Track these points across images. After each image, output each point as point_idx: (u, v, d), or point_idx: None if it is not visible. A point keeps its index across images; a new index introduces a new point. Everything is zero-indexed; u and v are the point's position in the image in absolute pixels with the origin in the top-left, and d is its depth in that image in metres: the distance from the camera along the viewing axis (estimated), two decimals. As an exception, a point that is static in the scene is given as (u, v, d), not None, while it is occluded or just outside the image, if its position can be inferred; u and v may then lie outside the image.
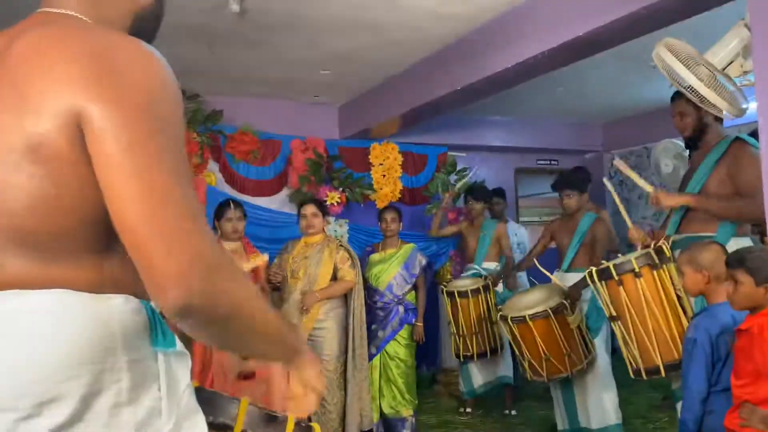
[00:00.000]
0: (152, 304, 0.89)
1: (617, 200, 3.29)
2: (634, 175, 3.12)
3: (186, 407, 0.91)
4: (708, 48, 2.75)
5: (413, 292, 4.55)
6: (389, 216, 4.58)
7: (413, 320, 4.47)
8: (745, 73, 2.62)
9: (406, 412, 4.36)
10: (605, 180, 3.48)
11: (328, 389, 3.88)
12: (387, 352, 4.38)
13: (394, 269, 4.46)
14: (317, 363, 1.11)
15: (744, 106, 2.73)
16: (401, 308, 4.42)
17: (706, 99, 2.64)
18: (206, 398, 1.47)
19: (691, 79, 2.61)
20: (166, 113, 0.83)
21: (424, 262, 4.58)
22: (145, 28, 1.01)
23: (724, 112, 2.68)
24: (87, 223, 0.83)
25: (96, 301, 0.83)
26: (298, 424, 1.49)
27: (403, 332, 4.43)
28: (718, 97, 2.60)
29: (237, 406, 1.45)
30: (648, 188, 3.01)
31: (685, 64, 2.64)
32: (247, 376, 3.34)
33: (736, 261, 2.14)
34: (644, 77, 5.30)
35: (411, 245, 4.64)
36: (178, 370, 0.91)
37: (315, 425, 1.53)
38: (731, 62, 2.66)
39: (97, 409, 0.80)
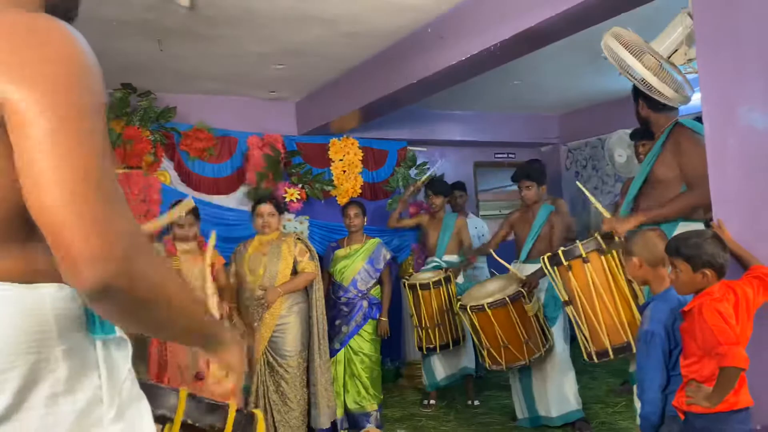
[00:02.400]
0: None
1: (591, 198, 3.35)
2: (593, 200, 3.20)
3: (129, 394, 0.90)
4: (654, 37, 2.80)
5: (378, 287, 4.55)
6: (352, 211, 4.57)
7: (377, 315, 4.47)
8: (690, 61, 2.68)
9: (371, 406, 4.36)
10: (578, 183, 3.58)
11: (291, 386, 3.84)
12: (351, 348, 4.38)
13: (359, 264, 4.46)
14: (240, 350, 1.11)
15: (689, 93, 2.80)
16: (365, 303, 4.43)
17: (653, 87, 2.69)
18: (145, 390, 1.44)
19: (638, 67, 2.66)
20: (87, 96, 0.80)
21: (389, 256, 4.59)
22: (61, 5, 0.97)
23: (671, 100, 2.74)
24: (15, 211, 0.81)
25: (28, 291, 0.81)
26: (239, 411, 1.47)
27: (368, 327, 4.44)
28: (665, 85, 2.66)
29: (177, 396, 1.43)
30: (606, 214, 3.07)
31: (631, 52, 2.69)
32: (198, 376, 3.30)
33: (673, 249, 2.18)
34: (598, 68, 5.39)
35: (376, 240, 4.64)
36: (118, 358, 0.90)
37: (258, 412, 1.51)
38: (676, 50, 2.72)
39: (33, 400, 0.79)
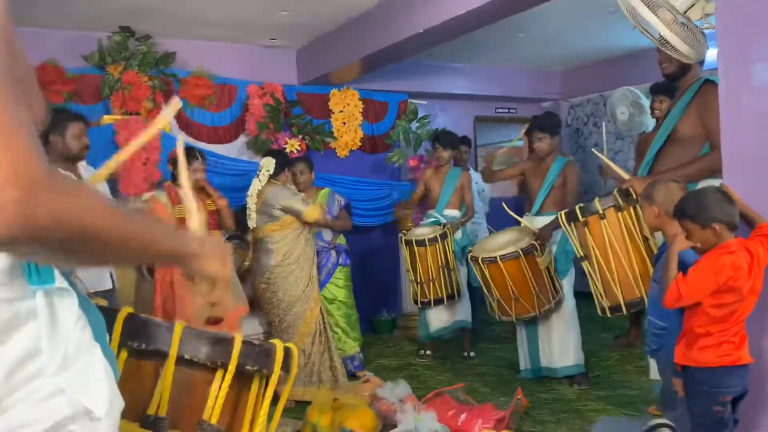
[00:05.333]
0: None
1: (606, 161, 3.33)
2: (610, 163, 3.19)
3: (77, 343, 0.84)
4: (671, -9, 2.74)
5: (342, 235, 4.57)
6: (298, 168, 4.45)
7: (347, 262, 4.52)
8: (707, 16, 2.63)
9: (352, 349, 4.49)
10: (594, 150, 3.55)
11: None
12: (325, 297, 4.43)
13: None
14: (217, 256, 1.05)
15: (704, 50, 2.76)
16: (333, 252, 4.48)
17: (667, 42, 2.65)
18: (138, 325, 1.40)
19: (653, 20, 2.61)
20: None
21: (343, 202, 4.61)
22: None
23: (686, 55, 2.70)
24: None
25: None
26: (249, 343, 1.42)
27: (339, 274, 4.51)
28: (680, 41, 2.61)
29: (172, 330, 1.37)
30: (624, 175, 3.04)
31: (647, 5, 2.63)
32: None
33: (678, 212, 2.19)
34: (603, 24, 5.31)
35: (326, 189, 4.66)
36: (61, 307, 0.84)
37: (277, 342, 1.47)
38: (693, 5, 2.66)
39: None
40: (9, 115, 0.67)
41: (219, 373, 1.39)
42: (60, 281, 0.84)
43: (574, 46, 6.16)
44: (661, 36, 2.63)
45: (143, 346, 1.37)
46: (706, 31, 2.73)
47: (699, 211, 2.12)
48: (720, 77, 2.40)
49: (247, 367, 1.40)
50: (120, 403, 0.89)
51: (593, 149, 3.59)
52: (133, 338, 1.38)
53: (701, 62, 2.96)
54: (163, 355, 1.36)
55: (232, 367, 1.38)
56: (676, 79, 3.03)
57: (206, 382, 1.39)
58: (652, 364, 3.08)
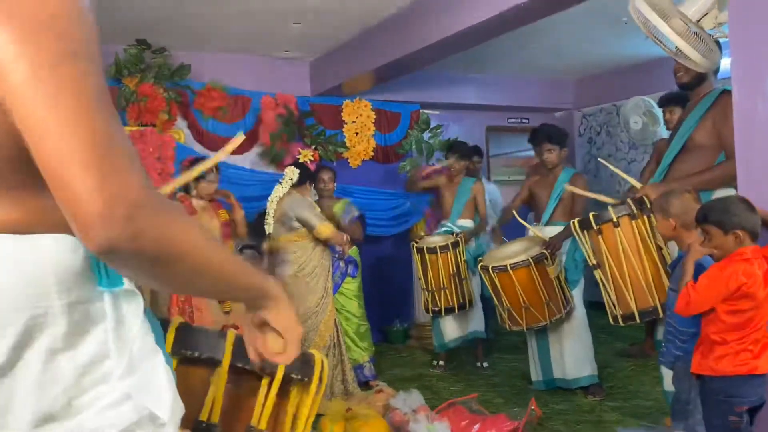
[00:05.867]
0: None
1: (615, 170, 3.33)
2: (620, 172, 3.22)
3: (141, 348, 0.85)
4: (683, 0, 2.75)
5: (355, 247, 4.58)
6: (326, 176, 4.52)
7: (355, 273, 4.50)
8: (719, 25, 2.63)
9: (362, 358, 4.48)
10: (601, 160, 3.55)
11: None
12: (335, 308, 4.43)
13: None
14: (290, 307, 1.02)
15: (717, 59, 2.76)
16: (342, 263, 4.47)
17: (680, 51, 2.65)
18: (192, 335, 1.45)
19: (665, 30, 2.61)
20: (77, 32, 0.71)
21: (356, 214, 4.59)
22: None
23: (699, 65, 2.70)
24: (6, 159, 0.75)
25: (23, 242, 0.75)
26: None
27: (349, 286, 4.48)
28: (693, 50, 2.61)
29: (225, 339, 1.42)
30: (636, 184, 3.04)
31: (660, 15, 2.64)
32: (233, 328, 3.36)
33: (701, 216, 2.20)
34: (615, 33, 5.31)
35: (345, 200, 4.65)
36: (128, 311, 0.85)
37: (315, 352, 1.51)
38: (706, 14, 2.66)
39: (29, 358, 0.75)
40: (121, 138, 0.72)
41: (265, 381, 1.45)
42: (128, 284, 0.85)
43: (587, 55, 6.15)
44: (674, 46, 2.63)
45: (197, 354, 1.42)
46: (719, 40, 2.73)
47: (724, 217, 2.13)
48: (733, 86, 2.40)
49: (292, 376, 1.46)
50: (181, 409, 0.89)
51: (600, 159, 3.59)
52: (186, 347, 1.43)
53: (716, 72, 2.96)
54: (214, 363, 1.41)
55: (279, 375, 1.44)
56: (691, 89, 3.02)
57: (253, 389, 1.46)
58: (666, 374, 3.06)
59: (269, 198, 4.02)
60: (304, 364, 1.49)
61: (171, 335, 1.41)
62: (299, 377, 1.47)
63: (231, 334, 1.43)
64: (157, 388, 0.86)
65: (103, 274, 0.81)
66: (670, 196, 2.47)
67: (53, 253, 0.77)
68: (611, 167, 3.31)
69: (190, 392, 1.41)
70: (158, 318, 1.42)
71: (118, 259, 0.72)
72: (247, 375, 1.44)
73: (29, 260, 0.75)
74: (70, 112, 0.67)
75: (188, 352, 1.42)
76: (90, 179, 0.67)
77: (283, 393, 1.50)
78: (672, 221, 2.41)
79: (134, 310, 0.86)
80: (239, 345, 1.42)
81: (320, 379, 1.52)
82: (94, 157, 0.68)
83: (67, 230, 0.76)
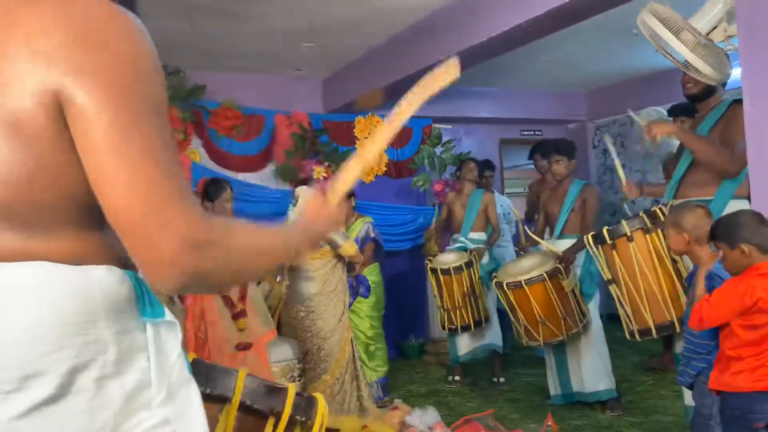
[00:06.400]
0: (136, 273, 0.88)
1: (613, 153, 3.34)
2: (620, 169, 3.29)
3: (178, 377, 0.90)
4: (692, 13, 2.75)
5: (370, 266, 4.57)
6: (353, 196, 4.53)
7: (366, 294, 4.45)
8: (729, 38, 2.62)
9: (370, 378, 4.42)
10: (617, 163, 3.56)
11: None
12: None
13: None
14: (321, 213, 1.08)
15: (727, 71, 2.75)
16: (354, 282, 4.43)
17: (690, 64, 2.65)
18: (204, 370, 1.48)
19: (675, 44, 2.62)
20: (153, 91, 0.79)
21: (372, 234, 4.53)
22: None
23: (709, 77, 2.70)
24: (69, 197, 0.81)
25: (76, 273, 0.80)
26: (299, 395, 1.51)
27: (362, 306, 4.44)
28: (703, 63, 2.61)
29: (235, 377, 1.46)
30: (623, 177, 3.06)
31: (669, 29, 2.64)
32: (244, 347, 3.38)
33: (713, 234, 2.20)
34: (627, 45, 5.30)
35: (365, 218, 4.63)
36: (167, 341, 0.90)
37: (318, 396, 1.54)
38: (715, 27, 2.66)
39: (81, 383, 0.79)
40: (184, 184, 0.80)
41: (271, 420, 1.48)
42: (168, 315, 0.91)
43: (599, 67, 6.15)
44: (684, 59, 2.63)
45: (208, 390, 1.45)
46: (728, 53, 2.72)
47: (729, 232, 2.12)
48: (744, 97, 2.39)
49: (296, 417, 1.49)
50: None
51: (616, 165, 3.58)
52: (198, 382, 1.45)
53: (723, 83, 2.95)
54: (223, 400, 1.45)
55: (285, 415, 1.47)
56: (700, 100, 3.01)
57: (258, 428, 1.48)
58: (687, 389, 3.02)
59: (288, 220, 4.04)
60: (308, 406, 1.52)
61: None
62: (303, 419, 1.51)
63: (242, 373, 1.47)
64: (192, 415, 0.91)
65: (147, 305, 0.87)
66: (682, 210, 2.46)
67: (104, 283, 0.82)
68: (619, 169, 3.34)
69: None
70: None
71: (192, 290, 0.85)
72: (254, 413, 1.48)
73: (83, 289, 0.81)
74: (144, 167, 0.76)
75: (200, 388, 1.46)
76: (157, 230, 0.75)
77: None
78: (686, 236, 2.40)
79: (173, 340, 0.91)
80: (249, 384, 1.47)
81: (321, 422, 1.55)
82: (160, 208, 0.76)
83: (115, 262, 0.84)
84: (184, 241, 0.76)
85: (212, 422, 1.45)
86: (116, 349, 0.82)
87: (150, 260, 0.76)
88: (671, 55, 2.73)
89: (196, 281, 0.78)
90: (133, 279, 0.87)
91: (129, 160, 0.75)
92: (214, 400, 1.47)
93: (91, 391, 0.79)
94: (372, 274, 4.53)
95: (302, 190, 4.07)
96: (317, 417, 1.53)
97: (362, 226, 4.55)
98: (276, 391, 1.51)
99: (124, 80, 0.76)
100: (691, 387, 2.46)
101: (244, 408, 1.47)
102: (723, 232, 2.14)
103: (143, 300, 0.87)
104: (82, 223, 0.83)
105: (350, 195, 4.53)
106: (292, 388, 1.52)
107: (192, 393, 0.92)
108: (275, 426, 1.47)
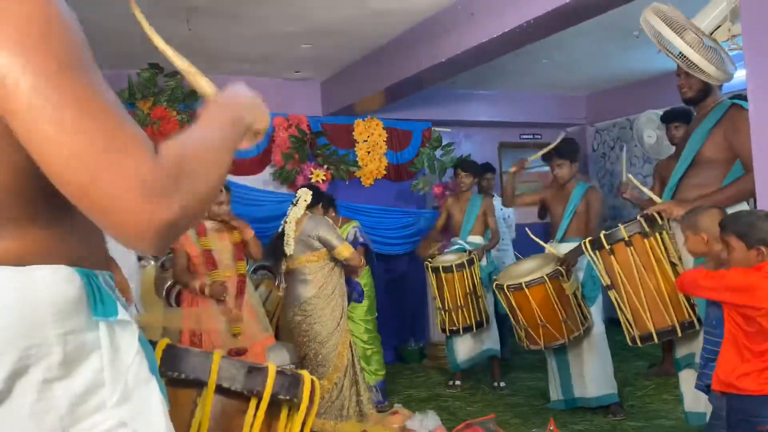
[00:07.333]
0: (91, 271, 0.83)
1: (640, 186, 3.31)
2: (643, 188, 3.20)
3: (136, 376, 0.86)
4: (695, 13, 2.72)
5: (368, 269, 4.53)
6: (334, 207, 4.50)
7: (360, 300, 4.42)
8: (733, 37, 2.60)
9: (369, 382, 4.38)
10: (629, 175, 3.54)
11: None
12: None
13: None
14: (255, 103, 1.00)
15: (731, 71, 2.73)
16: (347, 287, 4.39)
17: (694, 64, 2.62)
18: (178, 355, 1.43)
19: (678, 43, 2.59)
20: (69, 43, 0.71)
21: (361, 240, 4.52)
22: None
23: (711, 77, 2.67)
24: (5, 189, 0.75)
25: (18, 274, 0.76)
26: (282, 373, 1.45)
27: (356, 311, 4.43)
28: (707, 62, 2.59)
29: (211, 360, 1.41)
30: (657, 200, 3.00)
31: (672, 28, 2.61)
32: (238, 352, 3.34)
33: (726, 226, 2.17)
34: (627, 48, 5.29)
35: (353, 222, 4.61)
36: (122, 340, 0.85)
37: (305, 373, 1.49)
38: (719, 26, 2.64)
39: (23, 387, 0.76)
40: (122, 128, 0.71)
41: (253, 402, 1.44)
42: (122, 314, 0.86)
43: (599, 70, 6.13)
44: (688, 59, 2.61)
45: (183, 375, 1.41)
46: (733, 53, 2.70)
47: (747, 230, 2.11)
48: (749, 98, 2.37)
49: (280, 396, 1.44)
50: None
51: (627, 174, 3.53)
52: (172, 368, 1.42)
53: (720, 86, 2.91)
54: (200, 384, 1.41)
55: (266, 395, 1.42)
56: (696, 103, 2.98)
57: (241, 411, 1.44)
58: (686, 394, 2.98)
59: (286, 219, 4.00)
60: (292, 385, 1.47)
61: (157, 357, 1.40)
62: (287, 397, 1.46)
63: (217, 355, 1.42)
64: (151, 415, 0.87)
65: (98, 304, 0.82)
66: (698, 212, 2.45)
67: (49, 284, 0.78)
68: (636, 183, 3.26)
69: (177, 414, 1.41)
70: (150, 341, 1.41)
71: (178, 235, 0.75)
72: (235, 396, 1.43)
73: (26, 291, 0.76)
74: (76, 118, 0.68)
75: (175, 374, 1.41)
76: (114, 190, 0.67)
77: (274, 414, 1.49)
78: (704, 235, 2.39)
79: (129, 338, 0.87)
80: (225, 366, 1.42)
81: (311, 399, 1.50)
82: (110, 170, 0.68)
83: (64, 260, 0.78)
84: (143, 191, 0.68)
85: (190, 408, 1.41)
86: (61, 350, 0.78)
87: (117, 224, 0.69)
88: (675, 56, 2.70)
89: (173, 228, 0.71)
90: (84, 277, 0.82)
91: (62, 123, 0.67)
92: (191, 385, 1.43)
93: (34, 395, 0.76)
94: (363, 278, 4.50)
95: (305, 192, 4.03)
96: (304, 394, 1.48)
97: (349, 230, 4.52)
98: (256, 371, 1.45)
99: (31, 41, 0.68)
100: (708, 391, 2.42)
101: (222, 391, 1.42)
102: (742, 229, 2.11)
103: (94, 299, 0.82)
104: (23, 219, 0.78)
105: (332, 200, 4.46)
106: (273, 367, 1.46)
107: (152, 392, 0.88)
108: (258, 407, 1.43)
